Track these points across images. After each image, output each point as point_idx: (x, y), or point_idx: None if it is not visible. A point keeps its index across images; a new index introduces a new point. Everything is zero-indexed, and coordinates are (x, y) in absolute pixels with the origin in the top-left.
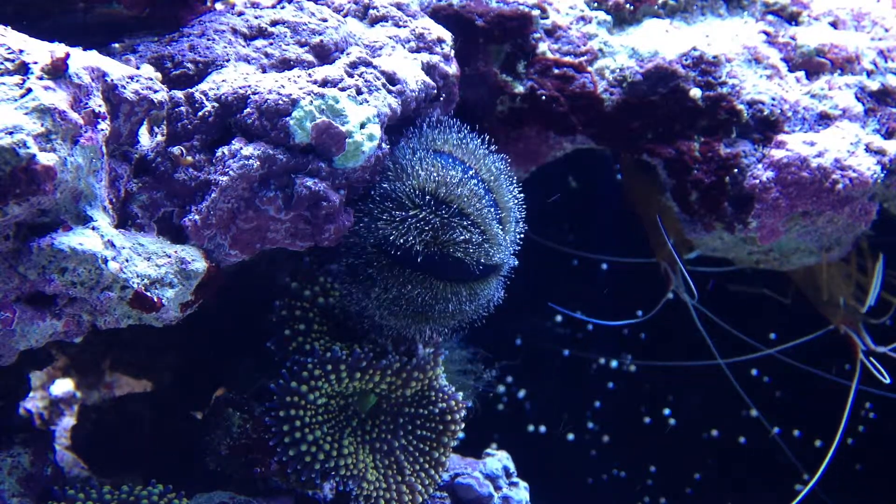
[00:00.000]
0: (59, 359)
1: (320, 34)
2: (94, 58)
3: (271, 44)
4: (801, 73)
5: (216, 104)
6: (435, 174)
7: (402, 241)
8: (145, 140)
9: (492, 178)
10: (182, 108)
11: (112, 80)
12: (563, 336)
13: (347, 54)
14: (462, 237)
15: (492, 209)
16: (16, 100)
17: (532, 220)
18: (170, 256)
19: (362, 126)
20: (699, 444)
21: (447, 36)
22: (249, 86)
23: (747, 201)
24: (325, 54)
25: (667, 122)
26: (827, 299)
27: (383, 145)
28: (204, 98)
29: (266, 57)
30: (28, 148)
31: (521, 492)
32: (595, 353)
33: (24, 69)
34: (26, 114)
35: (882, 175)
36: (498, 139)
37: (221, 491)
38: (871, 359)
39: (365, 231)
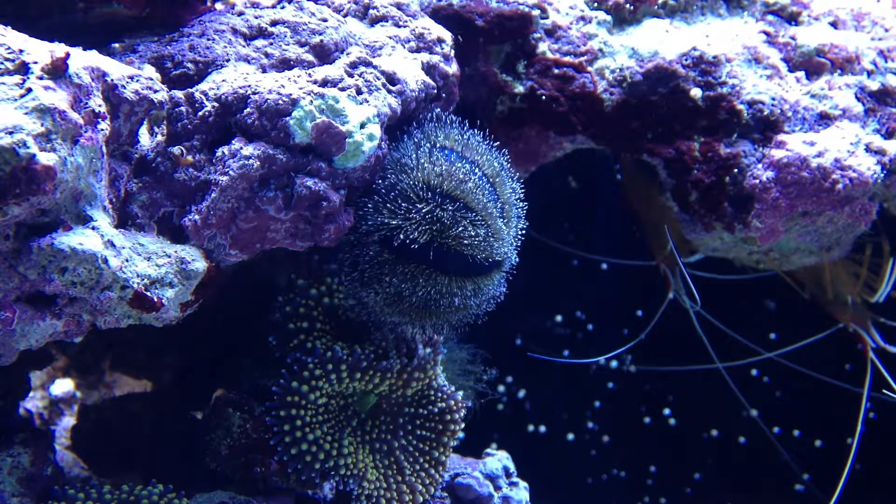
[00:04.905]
0: (59, 359)
1: (320, 34)
2: (94, 58)
3: (271, 44)
4: (801, 73)
5: (216, 104)
6: (439, 168)
7: (407, 235)
8: (145, 140)
9: (494, 173)
10: (182, 108)
11: (112, 80)
12: (563, 336)
13: (347, 54)
14: (468, 232)
15: (495, 204)
16: (16, 99)
17: (532, 219)
18: (170, 256)
19: (362, 126)
20: (699, 444)
21: (447, 36)
22: (249, 86)
23: (747, 201)
24: (325, 54)
25: (667, 122)
26: (832, 298)
27: (383, 145)
28: (204, 98)
29: (266, 57)
30: (28, 148)
31: (521, 492)
32: (595, 354)
33: (24, 69)
34: (26, 113)
35: (882, 175)
36: (498, 139)
37: (221, 491)
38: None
39: (368, 226)
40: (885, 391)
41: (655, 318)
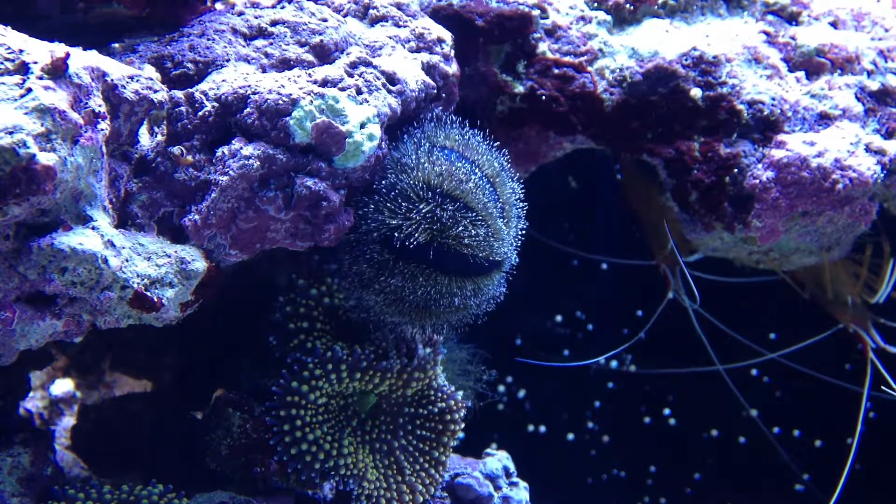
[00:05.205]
0: (59, 359)
1: (320, 34)
2: (94, 57)
3: (271, 44)
4: (801, 73)
5: (216, 104)
6: (440, 168)
7: (408, 235)
8: (145, 140)
9: (494, 173)
10: (182, 108)
11: (112, 80)
12: (563, 336)
13: (347, 54)
14: (468, 232)
15: (495, 204)
16: (16, 99)
17: (532, 219)
18: (170, 256)
19: (362, 126)
20: (699, 444)
21: (447, 36)
22: (249, 86)
23: (747, 201)
24: (325, 54)
25: (667, 122)
26: (832, 298)
27: (383, 145)
28: (204, 98)
29: (266, 57)
30: (28, 148)
31: (521, 492)
32: (595, 354)
33: (24, 69)
34: (26, 113)
35: (882, 175)
36: (498, 139)
37: (221, 491)
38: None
39: (368, 226)
40: (883, 388)
41: (653, 318)
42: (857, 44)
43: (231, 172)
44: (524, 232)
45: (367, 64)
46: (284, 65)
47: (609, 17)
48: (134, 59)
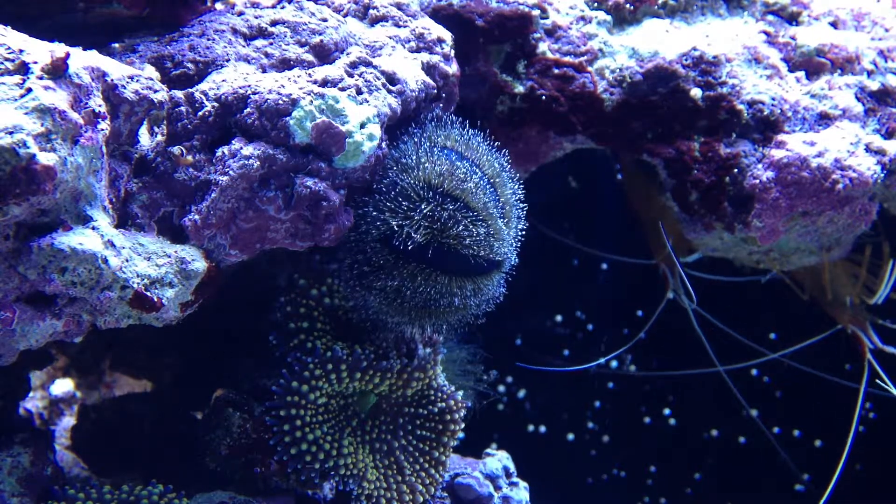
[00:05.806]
0: (59, 359)
1: (320, 34)
2: (94, 57)
3: (271, 44)
4: (801, 73)
5: (216, 104)
6: (440, 168)
7: (408, 235)
8: (145, 140)
9: (494, 173)
10: (182, 108)
11: (112, 80)
12: (563, 336)
13: (347, 54)
14: (468, 231)
15: (496, 204)
16: (16, 99)
17: (533, 219)
18: (170, 256)
19: (362, 126)
20: (699, 444)
21: (447, 36)
22: (249, 86)
23: (747, 201)
24: (325, 54)
25: (667, 122)
26: (831, 299)
27: (383, 145)
28: (204, 98)
29: (266, 57)
30: (28, 148)
31: (521, 492)
32: (595, 353)
33: (24, 69)
34: (26, 113)
35: (882, 175)
36: (498, 139)
37: (221, 491)
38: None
39: (369, 226)
40: (877, 381)
41: (653, 319)
42: (857, 44)
43: (231, 172)
44: (524, 231)
45: (368, 64)
46: (284, 65)
47: (609, 17)
48: (134, 59)
